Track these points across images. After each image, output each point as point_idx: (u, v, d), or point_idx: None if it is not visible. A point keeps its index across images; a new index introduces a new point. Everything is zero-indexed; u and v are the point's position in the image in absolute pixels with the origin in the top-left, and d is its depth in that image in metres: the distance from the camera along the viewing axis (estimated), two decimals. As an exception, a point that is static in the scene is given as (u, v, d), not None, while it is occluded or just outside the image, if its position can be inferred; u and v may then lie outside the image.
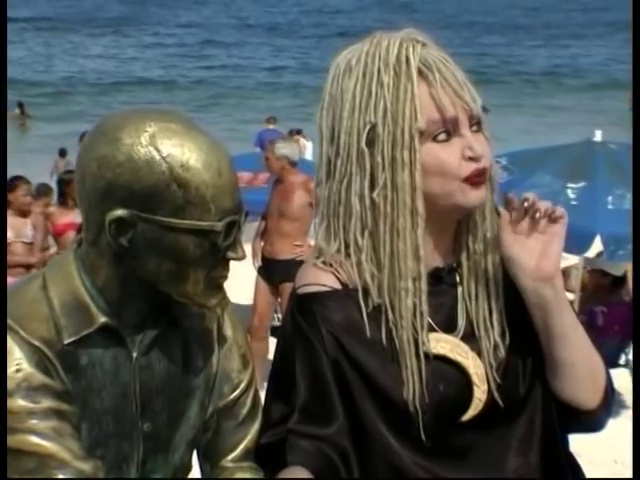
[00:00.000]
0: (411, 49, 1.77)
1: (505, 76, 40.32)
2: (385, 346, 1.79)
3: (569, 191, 6.76)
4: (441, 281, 1.85)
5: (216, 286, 1.80)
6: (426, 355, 1.78)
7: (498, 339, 1.83)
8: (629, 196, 6.42)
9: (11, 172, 8.63)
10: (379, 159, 1.76)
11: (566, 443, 1.94)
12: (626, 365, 7.39)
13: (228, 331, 1.97)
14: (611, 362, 7.43)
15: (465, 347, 1.82)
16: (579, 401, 1.86)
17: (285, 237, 7.60)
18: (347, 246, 1.81)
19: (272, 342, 7.33)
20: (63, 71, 40.01)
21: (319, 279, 1.83)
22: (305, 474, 1.71)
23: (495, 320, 1.84)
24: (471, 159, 1.76)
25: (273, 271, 7.82)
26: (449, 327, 1.83)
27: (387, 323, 1.79)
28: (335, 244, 1.83)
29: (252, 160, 9.11)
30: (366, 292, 1.80)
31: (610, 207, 6.55)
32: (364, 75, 1.78)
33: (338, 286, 1.82)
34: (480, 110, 1.79)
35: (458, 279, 1.87)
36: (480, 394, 1.80)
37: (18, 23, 56.99)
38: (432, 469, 1.78)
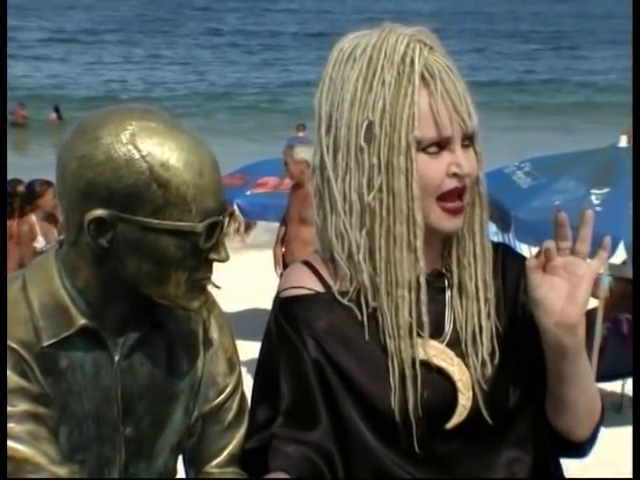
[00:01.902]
0: (417, 51, 1.72)
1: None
2: (371, 352, 1.75)
3: (593, 197, 6.68)
4: (428, 286, 1.80)
5: (198, 288, 1.77)
6: (412, 361, 1.74)
7: (486, 357, 1.79)
8: (654, 202, 6.35)
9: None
10: (375, 160, 1.72)
11: (559, 469, 1.91)
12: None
13: (214, 334, 1.93)
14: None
15: (450, 353, 1.78)
16: (573, 435, 1.84)
17: (305, 244, 7.47)
18: (345, 245, 1.77)
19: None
20: (103, 81, 40.21)
21: (302, 282, 1.80)
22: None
23: (485, 338, 1.80)
24: (455, 175, 1.73)
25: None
26: (435, 333, 1.79)
27: (379, 329, 1.75)
28: (335, 241, 1.78)
29: (278, 165, 9.07)
30: (359, 294, 1.76)
31: (634, 213, 6.46)
32: (367, 68, 1.74)
33: (321, 289, 1.79)
34: (475, 125, 1.75)
35: (446, 284, 1.83)
36: (465, 401, 1.76)
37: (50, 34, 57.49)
38: (416, 475, 1.74)
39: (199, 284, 1.77)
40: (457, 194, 1.74)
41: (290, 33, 62.04)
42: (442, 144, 1.72)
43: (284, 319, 1.78)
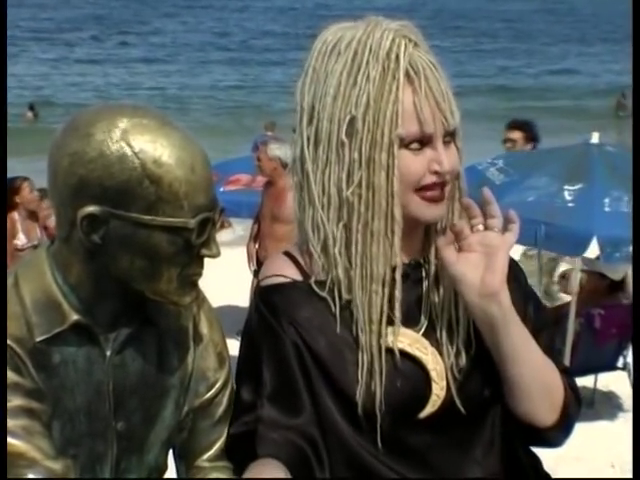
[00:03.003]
0: (403, 47, 1.73)
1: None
2: (344, 343, 1.77)
3: (566, 193, 6.69)
4: (407, 277, 1.82)
5: (190, 284, 1.79)
6: (384, 354, 1.76)
7: (462, 346, 1.81)
8: (626, 198, 6.37)
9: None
10: (356, 155, 1.74)
11: (533, 459, 1.92)
12: (624, 368, 7.33)
13: (204, 329, 1.95)
14: (609, 365, 7.39)
15: (425, 342, 1.80)
16: (532, 419, 1.83)
17: (279, 241, 7.46)
18: (321, 238, 1.78)
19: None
20: (69, 82, 39.87)
21: (281, 270, 1.83)
22: (277, 466, 1.69)
23: (461, 328, 1.82)
24: (436, 173, 1.75)
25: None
26: (411, 322, 1.81)
27: (354, 322, 1.77)
28: (311, 234, 1.80)
29: (250, 163, 9.06)
30: (333, 287, 1.78)
31: (607, 209, 6.46)
32: (352, 63, 1.74)
33: (300, 278, 1.81)
34: (457, 122, 1.77)
35: (424, 274, 1.84)
36: (438, 391, 1.78)
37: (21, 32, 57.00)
38: (391, 465, 1.76)
39: (190, 280, 1.78)
40: (437, 187, 1.76)
41: (261, 31, 61.91)
42: (424, 141, 1.74)
43: (264, 307, 1.80)
